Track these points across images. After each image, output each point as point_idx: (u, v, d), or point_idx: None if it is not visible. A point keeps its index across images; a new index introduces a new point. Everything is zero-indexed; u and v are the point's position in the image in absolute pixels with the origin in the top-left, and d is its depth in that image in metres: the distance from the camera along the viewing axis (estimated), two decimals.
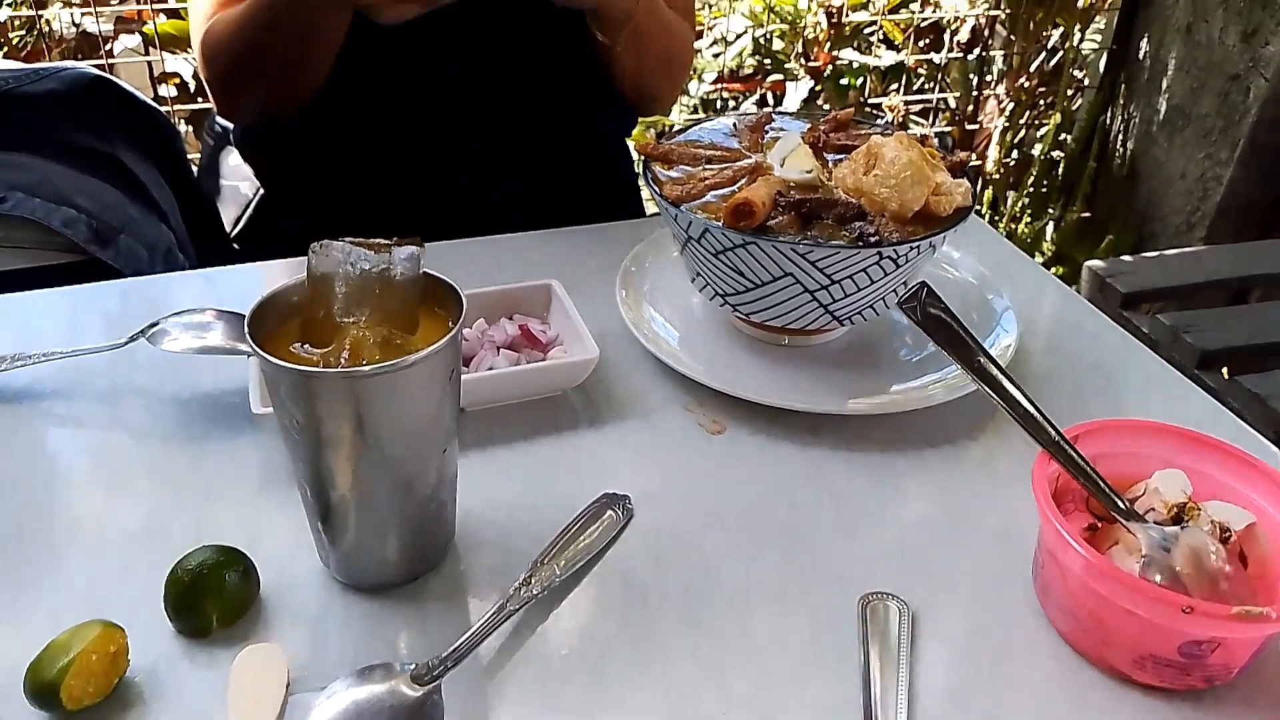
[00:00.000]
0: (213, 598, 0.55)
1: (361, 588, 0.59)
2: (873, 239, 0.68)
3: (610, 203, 1.21)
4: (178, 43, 2.31)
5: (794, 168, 0.75)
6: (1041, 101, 2.73)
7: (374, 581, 0.59)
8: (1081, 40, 2.64)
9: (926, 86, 2.74)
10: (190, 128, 2.34)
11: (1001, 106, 2.71)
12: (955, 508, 0.67)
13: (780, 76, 2.64)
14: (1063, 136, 2.69)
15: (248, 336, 0.51)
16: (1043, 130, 2.70)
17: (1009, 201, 2.70)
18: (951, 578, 0.61)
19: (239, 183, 1.19)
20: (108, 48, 2.27)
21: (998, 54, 2.71)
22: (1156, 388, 0.81)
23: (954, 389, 0.73)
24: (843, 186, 0.74)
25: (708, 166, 0.79)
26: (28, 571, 0.60)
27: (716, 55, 2.62)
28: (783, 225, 0.70)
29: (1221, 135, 2.24)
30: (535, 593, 0.57)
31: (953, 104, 2.75)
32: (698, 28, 2.37)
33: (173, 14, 2.31)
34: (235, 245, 1.19)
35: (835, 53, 2.62)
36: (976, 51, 2.70)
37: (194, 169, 1.25)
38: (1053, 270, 2.39)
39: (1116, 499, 0.57)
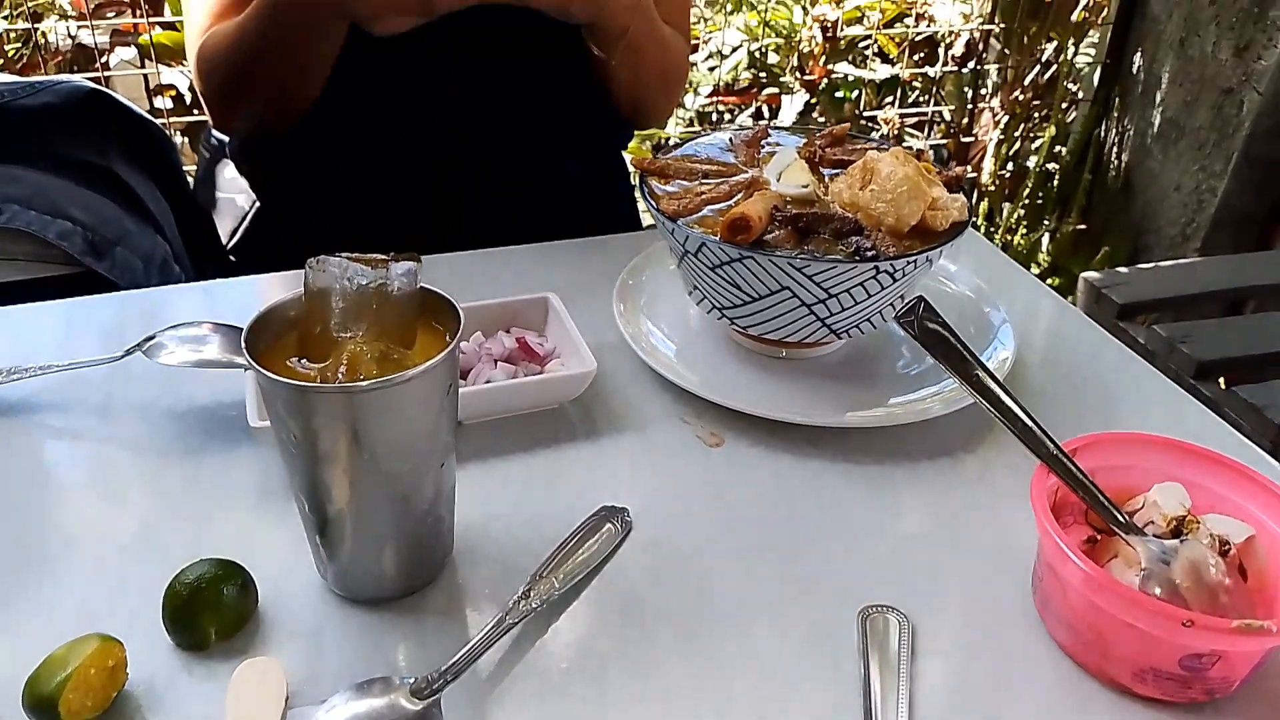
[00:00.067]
0: (211, 611, 0.55)
1: (360, 601, 0.59)
2: (869, 253, 0.69)
3: (606, 213, 1.22)
4: (174, 55, 2.31)
5: (790, 182, 0.75)
6: (1036, 114, 2.74)
7: (372, 595, 0.59)
8: (1075, 54, 2.65)
9: (921, 100, 2.75)
10: (186, 139, 2.34)
11: (996, 119, 2.72)
12: (954, 520, 0.67)
13: (775, 90, 2.65)
14: (1057, 149, 2.70)
15: (245, 351, 0.51)
16: (1037, 143, 2.71)
17: (1004, 213, 2.71)
18: (950, 590, 0.61)
19: (235, 195, 1.19)
20: (104, 60, 2.27)
21: (992, 67, 2.73)
22: (1153, 400, 0.81)
23: (952, 402, 0.73)
24: (839, 201, 0.74)
25: (704, 181, 0.79)
26: (25, 585, 0.60)
27: (712, 69, 2.63)
28: (779, 239, 0.70)
29: (1215, 148, 2.25)
30: (534, 606, 0.57)
31: (948, 117, 2.76)
32: (693, 41, 2.37)
33: (169, 26, 2.31)
34: (231, 258, 1.19)
35: (830, 66, 2.63)
36: (971, 65, 2.71)
37: (190, 181, 1.25)
38: (1048, 282, 2.39)
39: (1116, 512, 0.57)
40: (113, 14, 2.41)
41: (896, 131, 2.66)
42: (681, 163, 0.81)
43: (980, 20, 2.69)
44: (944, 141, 2.76)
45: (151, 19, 2.29)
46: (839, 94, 2.67)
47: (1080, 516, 0.61)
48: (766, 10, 2.63)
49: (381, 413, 0.51)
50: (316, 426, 0.51)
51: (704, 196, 0.76)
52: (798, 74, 2.65)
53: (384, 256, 0.56)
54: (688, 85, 2.44)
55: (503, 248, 0.98)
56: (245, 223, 1.18)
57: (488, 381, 0.73)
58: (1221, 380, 1.64)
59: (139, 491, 0.68)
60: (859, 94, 2.68)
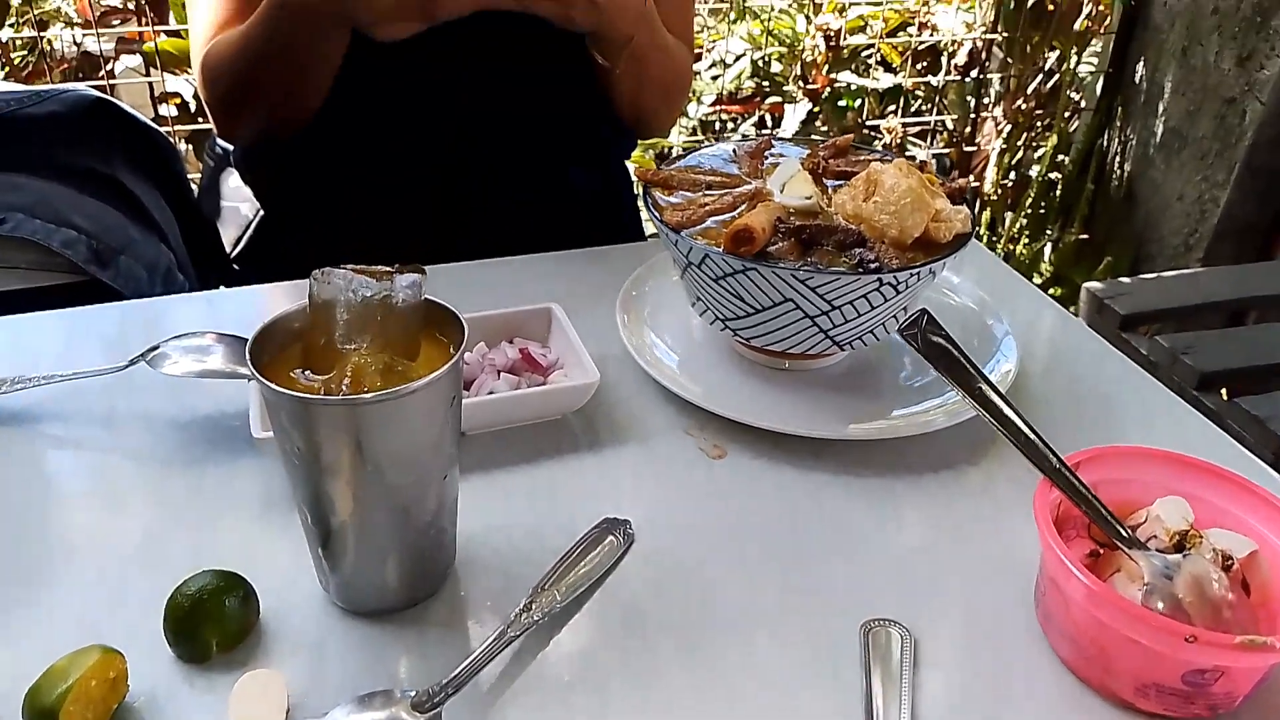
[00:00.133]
0: (213, 623, 0.55)
1: (362, 613, 0.59)
2: (873, 265, 0.69)
3: (609, 221, 1.22)
4: (178, 63, 2.32)
5: (793, 194, 0.75)
6: (1039, 123, 2.75)
7: (374, 607, 0.59)
8: (1078, 64, 2.65)
9: (924, 108, 2.75)
10: (190, 147, 2.34)
11: (999, 128, 2.73)
12: (956, 533, 0.67)
13: (778, 99, 2.66)
14: (1060, 158, 2.70)
15: (249, 363, 0.51)
16: (1040, 152, 2.71)
17: (1007, 223, 2.71)
18: (953, 603, 0.61)
19: (239, 203, 1.19)
20: (109, 68, 2.28)
21: (995, 76, 2.73)
22: (1156, 412, 0.81)
23: (954, 414, 0.73)
24: (842, 213, 0.74)
25: (707, 192, 0.79)
26: (27, 595, 0.60)
27: (715, 77, 2.63)
28: (783, 251, 0.71)
29: (1218, 158, 2.26)
30: (536, 619, 0.57)
31: (950, 126, 2.77)
32: (696, 50, 2.38)
33: (173, 34, 2.32)
34: (235, 266, 1.20)
35: (833, 75, 2.63)
36: (974, 74, 2.72)
37: (194, 189, 1.25)
38: (1050, 291, 2.39)
39: (1119, 527, 0.57)
40: (118, 22, 2.42)
41: (899, 140, 2.67)
42: (685, 174, 0.81)
43: (983, 29, 2.69)
44: (946, 150, 2.77)
45: (156, 27, 2.30)
46: (842, 103, 2.68)
47: (1083, 530, 0.61)
48: (769, 19, 2.63)
49: (385, 425, 0.51)
50: (320, 438, 0.51)
51: (707, 208, 0.76)
52: (800, 83, 2.65)
53: (389, 269, 0.56)
54: (691, 94, 2.45)
55: (505, 258, 0.98)
56: (249, 231, 1.18)
57: (491, 392, 0.73)
58: (1224, 391, 1.64)
59: (141, 502, 0.68)
60: (862, 103, 2.68)
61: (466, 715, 0.53)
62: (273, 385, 0.50)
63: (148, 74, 2.31)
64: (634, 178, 1.19)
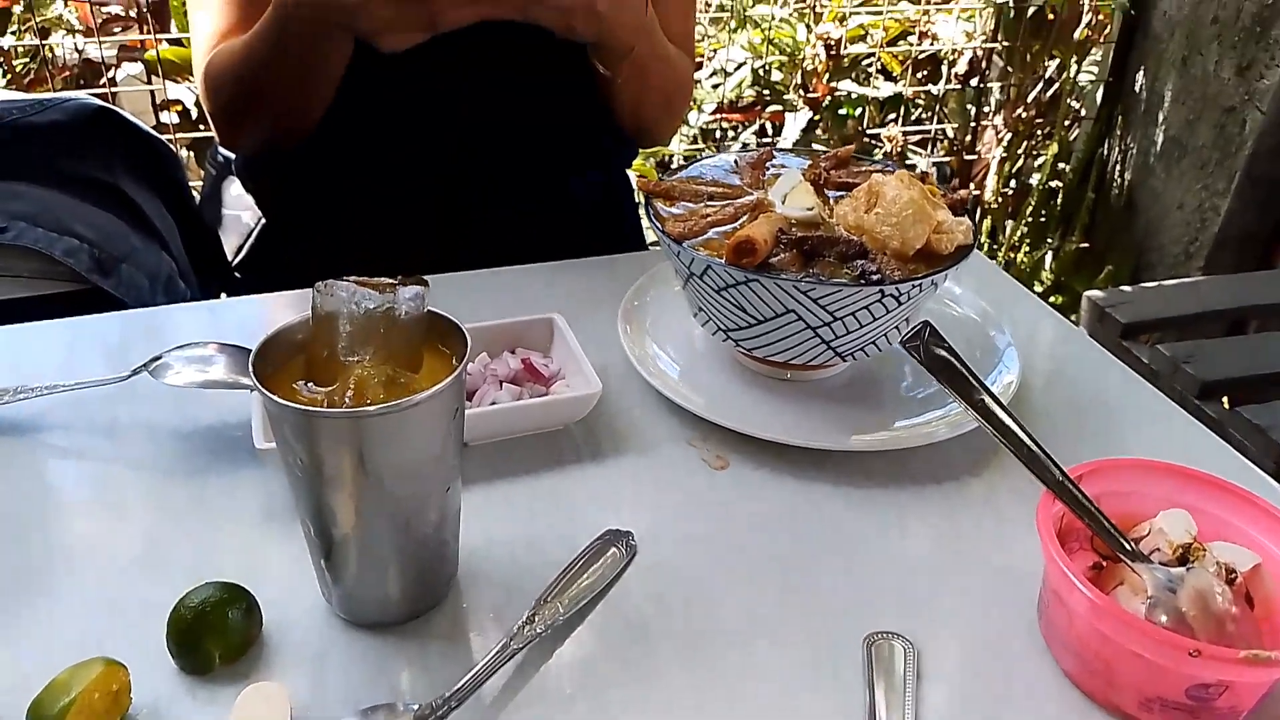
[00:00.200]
0: (215, 635, 0.55)
1: (364, 625, 0.59)
2: (875, 277, 0.69)
3: (611, 230, 1.22)
4: (180, 70, 2.32)
5: (795, 205, 0.75)
6: (1039, 132, 2.75)
7: (376, 619, 0.59)
8: (1078, 72, 2.66)
9: (924, 117, 2.76)
10: (191, 154, 2.35)
11: (999, 137, 2.73)
12: (959, 544, 0.67)
13: (779, 107, 2.66)
14: (1060, 167, 2.70)
15: (252, 375, 0.51)
16: (1040, 160, 2.72)
17: (1007, 231, 2.71)
18: (956, 615, 0.61)
19: (241, 212, 1.19)
20: (110, 75, 2.28)
21: (995, 85, 2.74)
22: (1158, 423, 0.81)
23: (957, 425, 0.73)
24: (844, 224, 0.74)
25: (709, 203, 0.79)
26: (29, 607, 0.60)
27: (716, 86, 2.64)
28: (785, 263, 0.71)
29: (1218, 167, 2.26)
30: (539, 631, 0.57)
31: (951, 134, 2.77)
32: (697, 58, 2.38)
33: (175, 42, 2.33)
34: (237, 274, 1.20)
35: (834, 84, 2.64)
36: (974, 83, 2.72)
37: (196, 197, 1.26)
38: (1051, 300, 2.40)
39: (1122, 539, 0.57)
40: (119, 29, 2.42)
41: (899, 149, 2.67)
42: (687, 185, 0.82)
43: (983, 38, 2.70)
44: (947, 159, 2.77)
45: (158, 35, 2.30)
46: (842, 111, 2.68)
47: (1086, 542, 0.61)
48: (770, 28, 2.64)
49: (388, 437, 0.51)
50: (323, 451, 0.51)
51: (709, 219, 0.76)
52: (801, 91, 2.66)
53: (391, 280, 0.56)
54: (691, 102, 2.45)
55: (507, 267, 0.98)
56: (251, 239, 1.18)
57: (493, 403, 0.73)
58: (1225, 400, 1.64)
59: (143, 512, 0.68)
60: (862, 111, 2.69)
61: None
62: (276, 398, 0.50)
63: (149, 81, 2.31)
64: (635, 187, 1.19)
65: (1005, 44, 2.65)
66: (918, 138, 2.75)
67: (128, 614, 0.59)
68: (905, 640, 0.58)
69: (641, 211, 1.17)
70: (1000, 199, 2.73)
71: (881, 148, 2.68)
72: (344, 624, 0.59)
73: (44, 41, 2.31)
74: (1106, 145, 2.64)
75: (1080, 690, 0.56)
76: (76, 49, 2.37)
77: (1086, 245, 2.65)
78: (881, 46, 2.67)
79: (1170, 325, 1.84)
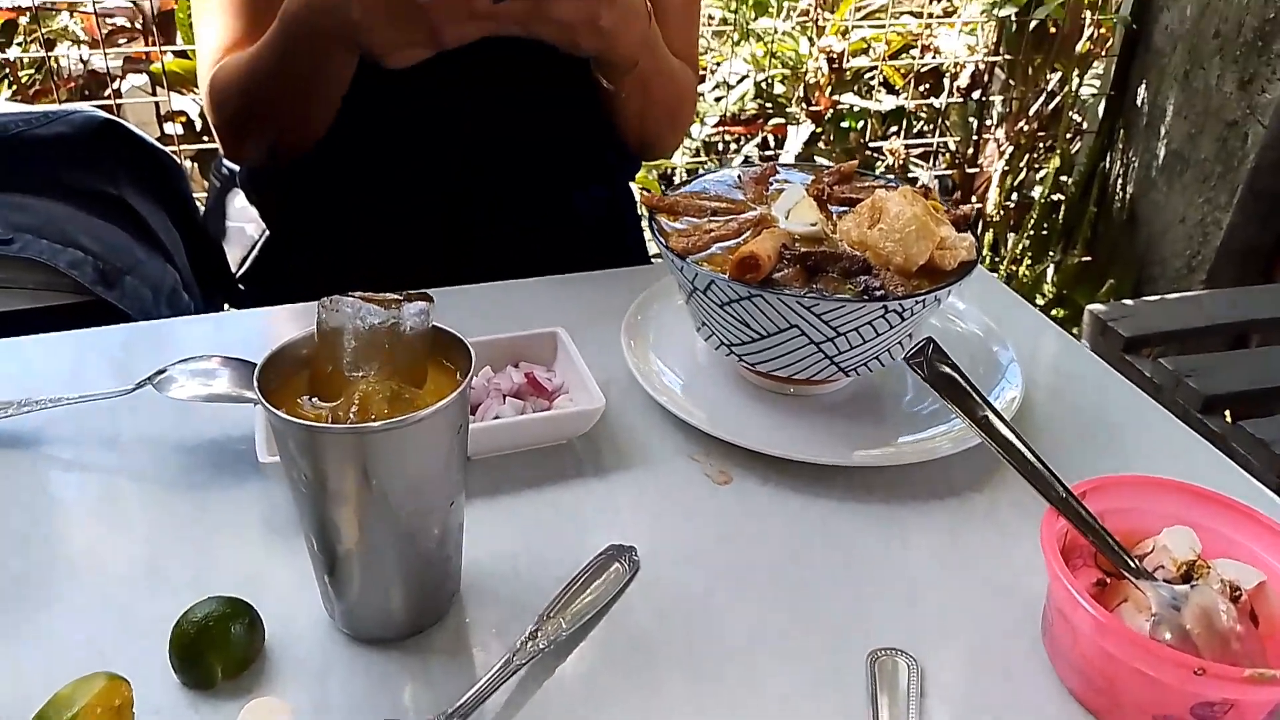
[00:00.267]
0: (218, 650, 0.55)
1: (367, 640, 0.59)
2: (878, 293, 0.69)
3: (614, 244, 1.22)
4: (184, 82, 2.33)
5: (798, 220, 0.75)
6: (1041, 145, 2.75)
7: (379, 634, 0.59)
8: (1080, 85, 2.66)
9: (927, 130, 2.76)
10: (195, 166, 2.35)
11: (1001, 150, 2.74)
12: (962, 561, 0.67)
13: (782, 120, 2.67)
14: (1062, 180, 2.71)
15: (257, 390, 0.51)
16: (1042, 174, 2.72)
17: (1009, 244, 2.72)
18: (960, 632, 0.61)
19: (245, 224, 1.20)
20: (115, 86, 2.29)
21: (997, 98, 2.74)
22: (1160, 438, 0.81)
23: (960, 441, 0.73)
24: (847, 240, 0.74)
25: (713, 218, 0.79)
26: (31, 620, 0.60)
27: (718, 99, 2.64)
28: (788, 278, 0.71)
29: (1220, 180, 2.26)
30: (541, 647, 0.57)
31: (953, 147, 2.78)
32: (700, 72, 2.39)
33: (180, 54, 2.34)
34: (240, 286, 1.20)
35: (836, 97, 2.64)
36: (976, 96, 2.73)
37: (200, 209, 1.26)
38: (1053, 313, 2.40)
39: (1126, 557, 0.56)
40: (124, 41, 2.43)
41: (902, 162, 2.68)
42: (690, 200, 0.82)
43: (985, 51, 2.71)
44: (949, 172, 2.78)
45: (163, 46, 2.31)
46: (844, 124, 2.69)
47: (1090, 559, 0.61)
48: (773, 41, 2.64)
49: (393, 453, 0.51)
50: (327, 466, 0.51)
51: (713, 234, 0.76)
52: (804, 104, 2.67)
53: (396, 296, 0.56)
54: (695, 116, 2.46)
55: (510, 281, 0.98)
56: (255, 251, 1.18)
57: (496, 417, 0.73)
58: (1228, 414, 1.64)
59: (147, 525, 0.68)
60: (864, 124, 2.69)
61: None
62: (280, 413, 0.50)
63: (154, 93, 2.32)
64: (638, 201, 1.19)
65: (1007, 57, 2.66)
66: (920, 151, 2.76)
67: (130, 628, 0.59)
68: (909, 657, 0.58)
69: (645, 226, 1.18)
70: (1002, 212, 2.74)
71: (884, 161, 2.68)
72: (347, 639, 0.59)
73: (49, 53, 2.32)
74: (1108, 159, 2.65)
75: (1084, 708, 0.56)
76: (82, 60, 2.38)
77: (1088, 259, 2.65)
78: (884, 60, 2.68)
79: (1172, 339, 1.84)
